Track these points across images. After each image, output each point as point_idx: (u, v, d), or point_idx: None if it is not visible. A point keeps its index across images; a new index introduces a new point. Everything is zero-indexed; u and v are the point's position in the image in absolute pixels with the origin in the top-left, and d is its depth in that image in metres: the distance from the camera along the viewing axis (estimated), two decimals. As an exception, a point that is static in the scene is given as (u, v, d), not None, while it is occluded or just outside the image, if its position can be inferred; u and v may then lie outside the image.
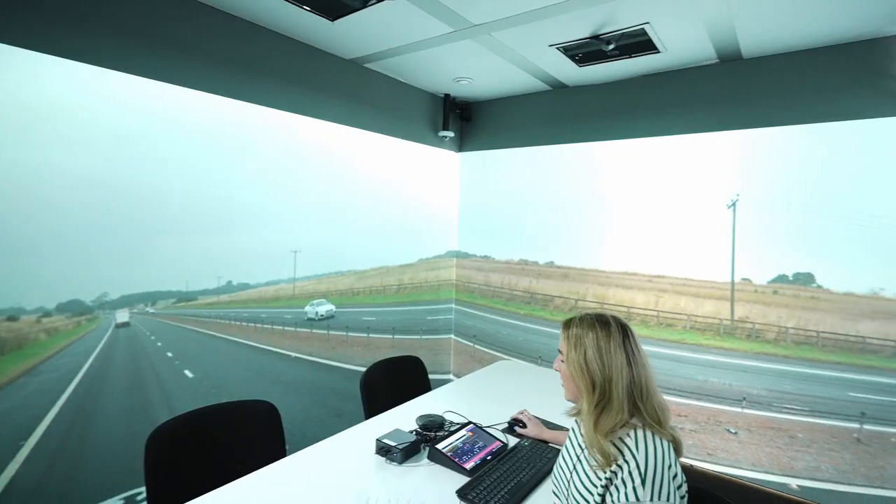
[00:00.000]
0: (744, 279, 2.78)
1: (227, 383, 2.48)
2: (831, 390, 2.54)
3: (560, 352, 1.22)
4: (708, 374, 2.88)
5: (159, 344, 2.25)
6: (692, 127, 2.95)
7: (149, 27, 2.11)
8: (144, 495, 1.44)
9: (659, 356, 3.03)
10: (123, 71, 2.03)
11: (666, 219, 3.05)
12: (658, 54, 2.70)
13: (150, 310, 2.20)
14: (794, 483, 2.59)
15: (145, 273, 2.15)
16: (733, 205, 2.80)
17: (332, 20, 2.42)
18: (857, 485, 2.44)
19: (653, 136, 3.11)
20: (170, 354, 2.28)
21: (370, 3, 2.21)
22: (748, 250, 2.77)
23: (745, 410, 2.75)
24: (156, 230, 2.18)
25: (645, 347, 1.16)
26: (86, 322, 1.99)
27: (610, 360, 1.09)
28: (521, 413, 1.84)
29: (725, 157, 2.84)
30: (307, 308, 2.89)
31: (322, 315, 2.51)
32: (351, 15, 2.35)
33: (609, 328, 1.13)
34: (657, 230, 3.09)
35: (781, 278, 2.68)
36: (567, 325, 1.20)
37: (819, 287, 2.57)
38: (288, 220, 2.76)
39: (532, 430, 1.75)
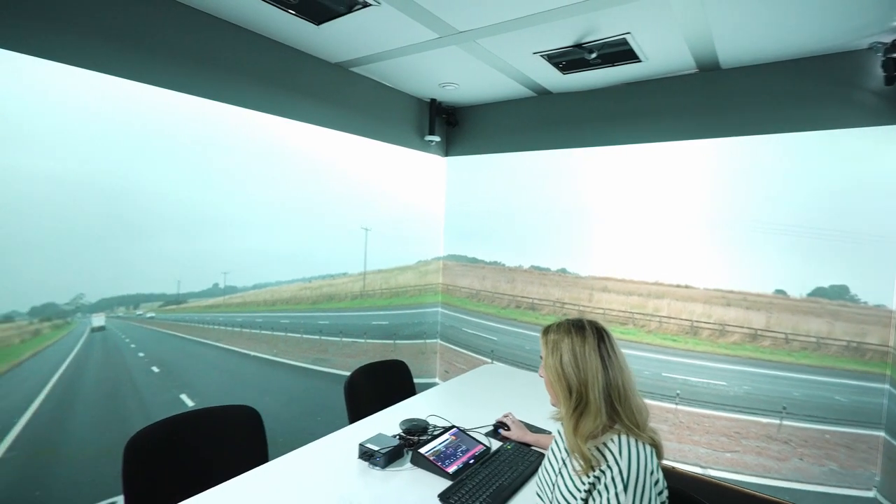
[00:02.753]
0: (721, 288, 2.85)
1: (209, 389, 2.45)
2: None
3: (542, 358, 1.24)
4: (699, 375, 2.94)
5: (140, 353, 2.20)
6: (672, 135, 3.02)
7: (132, 28, 2.08)
8: (122, 504, 1.41)
9: (642, 359, 3.08)
10: (105, 72, 2.01)
11: (648, 225, 3.11)
12: (639, 63, 2.76)
13: (138, 312, 2.17)
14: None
15: (126, 275, 2.12)
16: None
17: (318, 24, 2.42)
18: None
19: (634, 143, 3.16)
20: (154, 368, 2.24)
21: (355, 8, 2.22)
22: (728, 258, 2.83)
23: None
24: (138, 232, 2.15)
25: (625, 351, 1.18)
26: (60, 326, 1.94)
27: (585, 363, 1.11)
28: (506, 416, 1.85)
29: (705, 165, 2.90)
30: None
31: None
32: (336, 20, 2.35)
33: (584, 332, 1.15)
34: (640, 235, 3.14)
35: (761, 285, 2.74)
36: (545, 331, 1.23)
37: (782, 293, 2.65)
38: (271, 223, 2.75)
39: (516, 434, 1.76)
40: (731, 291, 2.82)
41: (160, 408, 2.23)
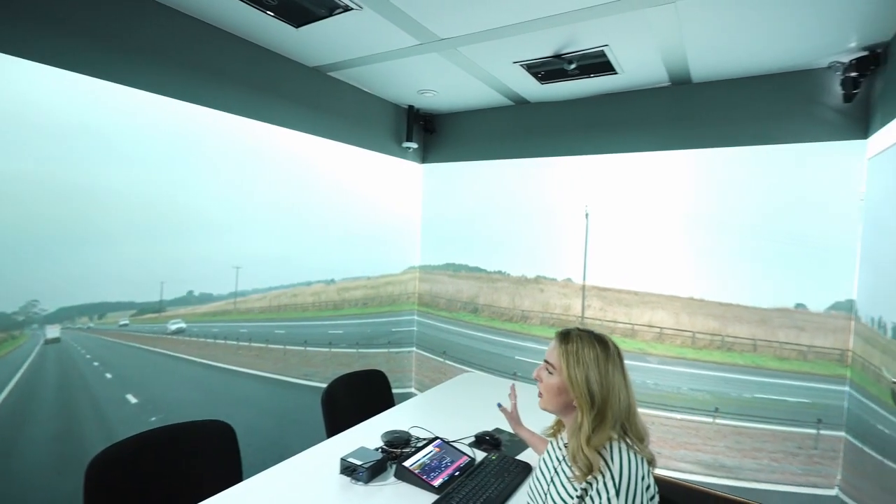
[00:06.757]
0: (696, 297, 2.93)
1: (176, 405, 2.32)
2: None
3: (548, 363, 1.19)
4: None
5: (95, 363, 2.06)
6: (645, 146, 3.10)
7: (101, 25, 1.98)
8: (81, 529, 1.31)
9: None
10: (66, 68, 1.89)
11: (624, 232, 3.17)
12: (615, 75, 2.83)
13: (91, 324, 2.03)
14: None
15: (87, 282, 1.99)
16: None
17: (297, 27, 2.37)
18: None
19: (609, 153, 3.23)
20: (108, 375, 2.09)
21: (336, 11, 2.19)
22: (700, 265, 2.92)
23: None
24: (103, 237, 2.02)
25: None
26: (9, 339, 1.80)
27: (610, 380, 1.09)
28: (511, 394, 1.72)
29: (678, 176, 2.99)
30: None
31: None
32: (316, 23, 2.31)
33: (608, 348, 1.13)
34: (615, 243, 3.20)
35: (732, 294, 2.83)
36: (565, 339, 1.17)
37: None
38: (246, 229, 2.65)
39: (514, 416, 1.66)
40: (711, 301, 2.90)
41: (123, 425, 2.09)
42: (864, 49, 2.31)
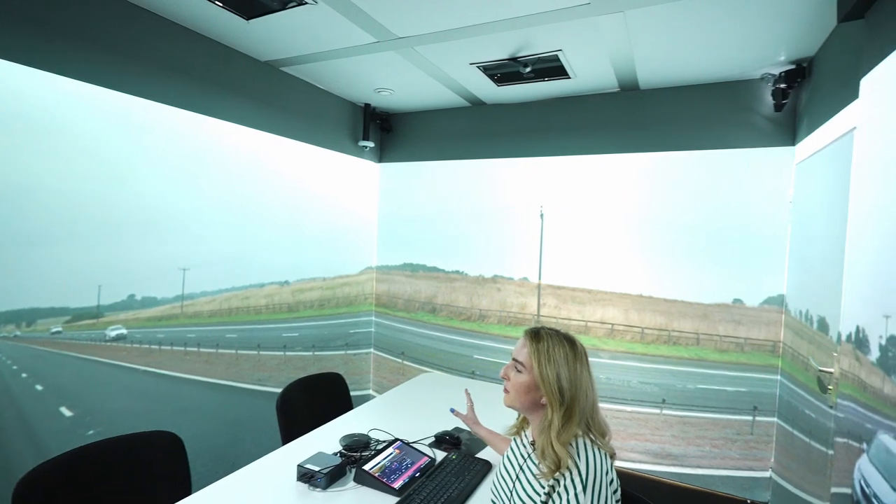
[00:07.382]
0: (644, 294, 3.07)
1: (117, 417, 2.17)
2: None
3: (517, 361, 1.20)
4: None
5: (23, 375, 1.89)
6: (597, 148, 3.21)
7: (30, 8, 1.82)
8: (9, 557, 1.20)
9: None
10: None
11: (577, 232, 3.27)
12: (569, 80, 2.91)
13: (18, 332, 1.86)
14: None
15: (15, 287, 1.83)
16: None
17: (248, 19, 2.28)
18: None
19: (562, 155, 3.32)
20: (39, 387, 1.92)
21: (290, 5, 2.12)
22: (648, 263, 3.06)
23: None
24: (33, 239, 1.86)
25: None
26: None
27: (578, 378, 1.12)
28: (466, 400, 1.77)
29: (627, 178, 3.12)
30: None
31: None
32: (268, 15, 2.23)
33: (576, 347, 1.16)
34: (568, 242, 3.30)
35: (676, 290, 2.99)
36: (535, 337, 1.19)
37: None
38: (194, 229, 2.52)
39: (471, 417, 1.70)
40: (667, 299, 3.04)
41: (57, 441, 1.94)
42: (792, 63, 2.51)
